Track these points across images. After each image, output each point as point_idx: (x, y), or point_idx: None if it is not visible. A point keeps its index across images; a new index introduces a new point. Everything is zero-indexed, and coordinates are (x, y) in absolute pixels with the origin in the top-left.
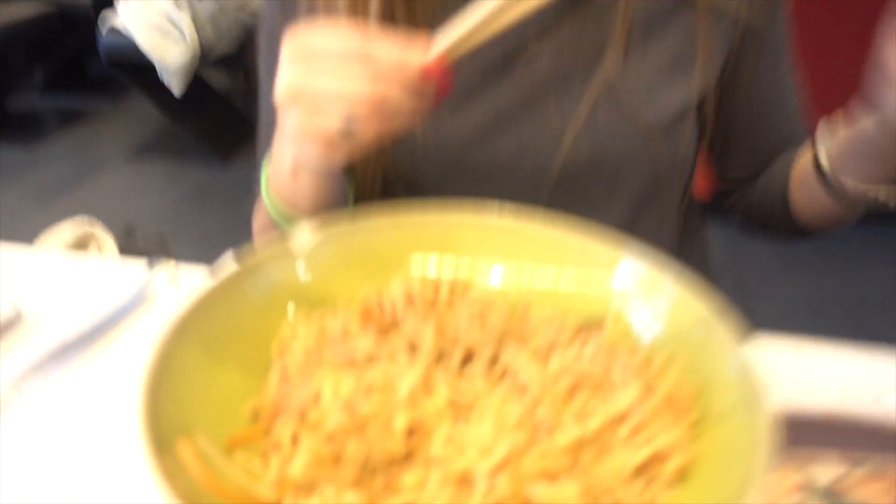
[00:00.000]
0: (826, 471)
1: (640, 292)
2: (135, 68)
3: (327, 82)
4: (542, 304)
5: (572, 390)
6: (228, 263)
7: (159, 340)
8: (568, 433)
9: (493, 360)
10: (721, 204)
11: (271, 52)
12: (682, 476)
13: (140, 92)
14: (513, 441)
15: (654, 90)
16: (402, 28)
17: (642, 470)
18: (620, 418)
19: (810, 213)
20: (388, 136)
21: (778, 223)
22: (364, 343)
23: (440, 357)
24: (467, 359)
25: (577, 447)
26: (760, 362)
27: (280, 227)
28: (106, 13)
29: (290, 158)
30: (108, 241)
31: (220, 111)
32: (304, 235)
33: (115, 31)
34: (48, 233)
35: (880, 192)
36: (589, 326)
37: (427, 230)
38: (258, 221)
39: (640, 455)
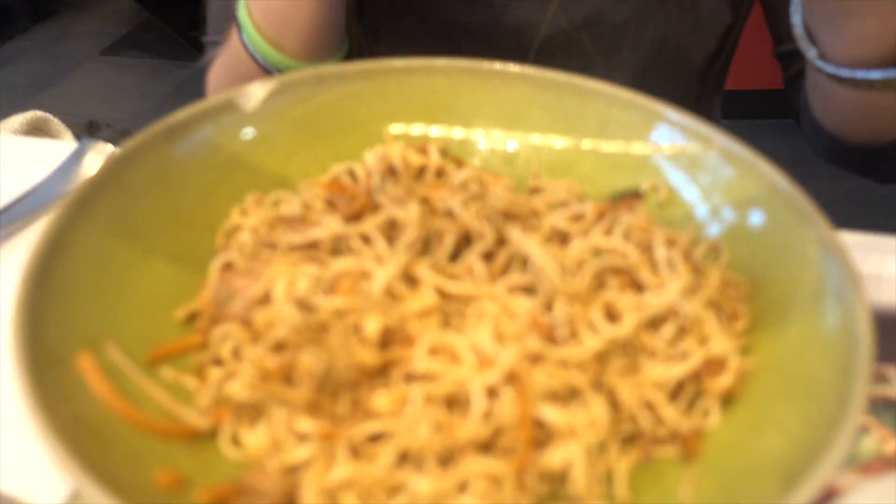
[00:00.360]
0: (894, 389)
1: (680, 164)
2: None
3: None
4: (557, 179)
5: (598, 283)
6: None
7: (52, 222)
8: (592, 338)
9: (496, 247)
10: (790, 102)
11: None
12: (733, 398)
13: None
14: (520, 349)
15: None
16: None
17: (684, 386)
18: (660, 319)
19: (832, 113)
20: None
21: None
22: (329, 226)
23: (427, 245)
24: (462, 245)
25: (603, 357)
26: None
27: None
28: None
29: None
30: (65, 135)
31: (196, 3)
32: (257, 95)
33: None
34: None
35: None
36: (616, 206)
37: (410, 93)
38: (219, 75)
39: (684, 367)
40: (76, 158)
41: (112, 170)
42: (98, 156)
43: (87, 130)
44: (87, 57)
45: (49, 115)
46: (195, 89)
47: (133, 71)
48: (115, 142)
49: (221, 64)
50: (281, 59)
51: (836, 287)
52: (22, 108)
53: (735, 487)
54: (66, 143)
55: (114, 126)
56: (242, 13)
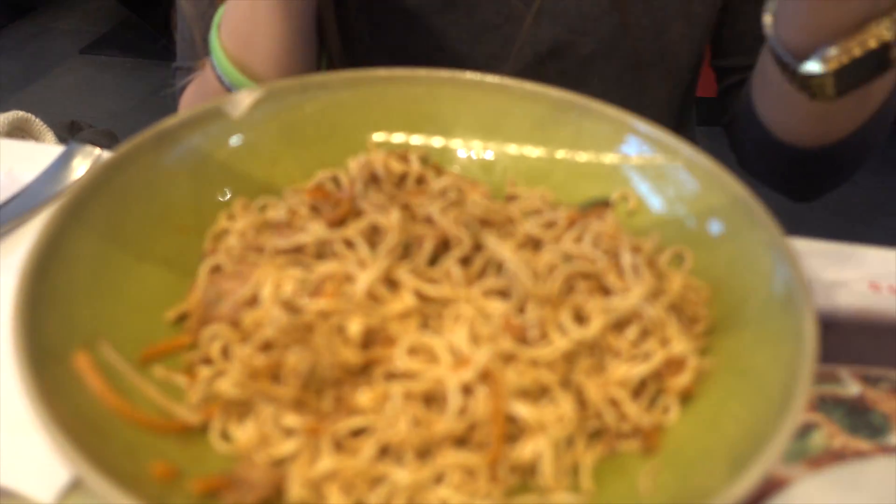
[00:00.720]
0: (844, 388)
1: (647, 175)
2: None
3: None
4: (532, 187)
5: (567, 287)
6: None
7: (48, 225)
8: (561, 339)
9: (472, 252)
10: (723, 110)
11: None
12: (691, 395)
13: None
14: (493, 349)
15: None
16: None
17: (646, 384)
18: (625, 322)
19: (769, 101)
20: None
21: (749, 133)
22: (314, 230)
23: (407, 250)
24: (440, 251)
25: (571, 357)
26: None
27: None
28: None
29: None
30: (47, 135)
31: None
32: (244, 102)
33: None
34: None
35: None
36: (586, 214)
37: (392, 102)
38: (191, 100)
39: (646, 367)
40: (64, 161)
41: (104, 175)
42: (85, 159)
43: (69, 131)
44: (66, 55)
45: (31, 116)
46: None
47: (112, 70)
48: (97, 142)
49: (193, 89)
50: (246, 82)
51: (787, 292)
52: (0, 106)
53: (689, 475)
54: (52, 147)
55: (95, 126)
56: (213, 35)
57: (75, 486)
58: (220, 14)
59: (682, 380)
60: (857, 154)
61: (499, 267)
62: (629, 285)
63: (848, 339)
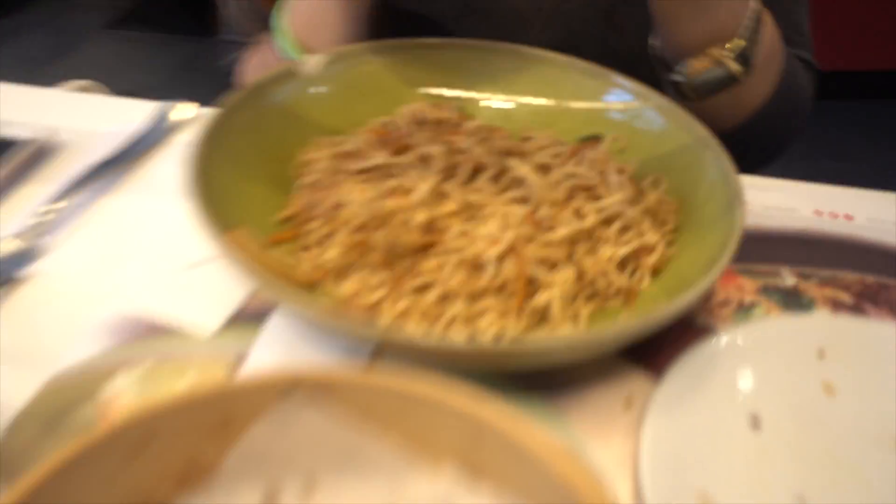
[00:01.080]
0: (783, 281)
1: (627, 116)
2: None
3: None
4: (543, 129)
5: (570, 195)
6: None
7: (194, 156)
8: (565, 228)
9: (499, 175)
10: None
11: None
12: (658, 270)
13: None
14: (517, 233)
15: None
16: None
17: (627, 262)
18: (611, 218)
19: None
20: None
21: None
22: (379, 158)
23: (449, 173)
24: (475, 173)
25: (573, 241)
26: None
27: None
28: None
29: None
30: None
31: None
32: (319, 63)
33: None
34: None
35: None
36: (584, 146)
37: (432, 63)
38: (257, 65)
39: (627, 248)
40: (162, 114)
41: (224, 118)
42: (180, 112)
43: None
44: (93, 30)
45: (98, 83)
46: (203, 63)
47: (140, 45)
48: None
49: (256, 61)
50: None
51: (729, 205)
52: (30, 80)
53: (650, 313)
54: (150, 103)
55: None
56: (278, 21)
57: (229, 322)
58: (286, 2)
59: (651, 259)
60: (758, 142)
61: (520, 183)
62: (614, 194)
63: (794, 248)
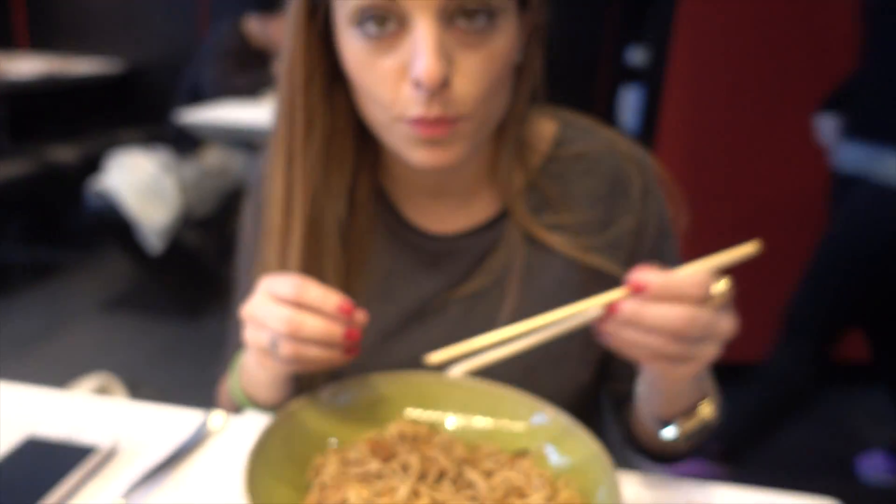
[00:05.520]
0: None
1: (550, 437)
2: (116, 227)
3: (265, 311)
4: (488, 441)
5: (506, 494)
6: (276, 419)
7: (246, 468)
8: None
9: (457, 477)
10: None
11: (248, 257)
12: None
13: (119, 249)
14: None
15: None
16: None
17: None
18: None
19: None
20: (309, 363)
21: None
22: (374, 466)
23: (422, 475)
24: (440, 477)
25: None
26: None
27: (239, 408)
28: (93, 176)
29: (250, 361)
30: (121, 390)
31: (191, 269)
32: (328, 398)
33: (101, 194)
34: (76, 383)
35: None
36: (517, 457)
37: (409, 391)
38: (222, 394)
39: None
40: (202, 423)
41: (265, 440)
42: (214, 420)
43: (131, 387)
44: (83, 313)
45: (111, 375)
46: (183, 348)
47: (125, 327)
48: (156, 398)
49: (221, 388)
50: (248, 404)
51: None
52: (23, 360)
53: None
54: (192, 412)
55: (145, 383)
56: (234, 373)
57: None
58: (239, 360)
59: None
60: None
61: (471, 484)
62: (536, 494)
63: None
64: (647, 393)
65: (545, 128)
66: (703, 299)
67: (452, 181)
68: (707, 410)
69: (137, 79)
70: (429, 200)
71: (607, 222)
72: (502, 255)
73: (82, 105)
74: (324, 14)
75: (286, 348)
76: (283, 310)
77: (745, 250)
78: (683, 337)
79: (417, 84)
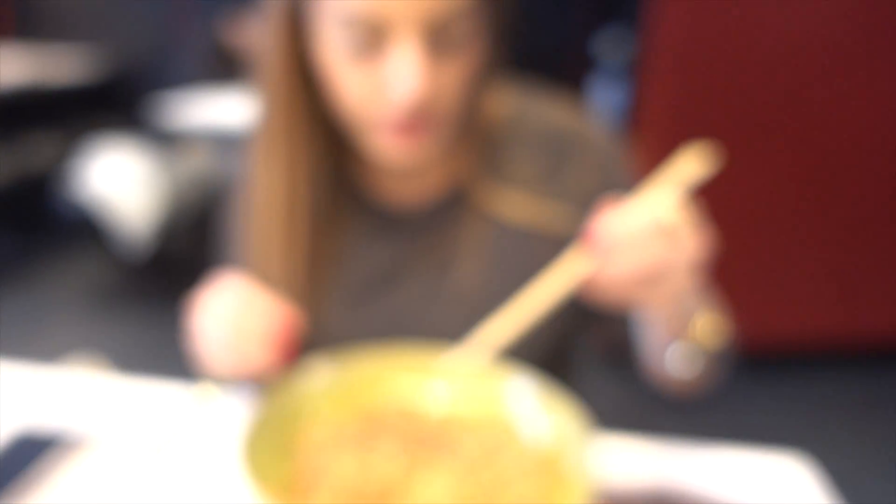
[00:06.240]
0: None
1: (527, 401)
2: (96, 230)
3: (212, 321)
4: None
5: (489, 454)
6: (268, 392)
7: (243, 440)
8: None
9: (442, 444)
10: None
11: (231, 249)
12: None
13: (97, 253)
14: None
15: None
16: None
17: None
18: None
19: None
20: (248, 367)
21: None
22: (362, 436)
23: (408, 443)
24: (425, 443)
25: None
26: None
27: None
28: (70, 185)
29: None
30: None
31: (176, 273)
32: (317, 374)
33: (75, 205)
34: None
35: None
36: (497, 427)
37: (395, 363)
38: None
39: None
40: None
41: (252, 432)
42: (204, 393)
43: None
44: (65, 313)
45: (101, 357)
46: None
47: (106, 329)
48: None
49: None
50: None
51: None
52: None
53: None
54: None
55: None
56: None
57: None
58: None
59: None
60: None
61: (455, 448)
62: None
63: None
64: (643, 326)
65: (502, 100)
66: (660, 236)
67: None
68: (702, 328)
69: (120, 79)
70: (386, 175)
71: (558, 186)
72: (460, 224)
73: (64, 105)
74: (302, 9)
75: (229, 354)
76: (225, 321)
77: (693, 165)
78: (646, 280)
79: (398, 103)
